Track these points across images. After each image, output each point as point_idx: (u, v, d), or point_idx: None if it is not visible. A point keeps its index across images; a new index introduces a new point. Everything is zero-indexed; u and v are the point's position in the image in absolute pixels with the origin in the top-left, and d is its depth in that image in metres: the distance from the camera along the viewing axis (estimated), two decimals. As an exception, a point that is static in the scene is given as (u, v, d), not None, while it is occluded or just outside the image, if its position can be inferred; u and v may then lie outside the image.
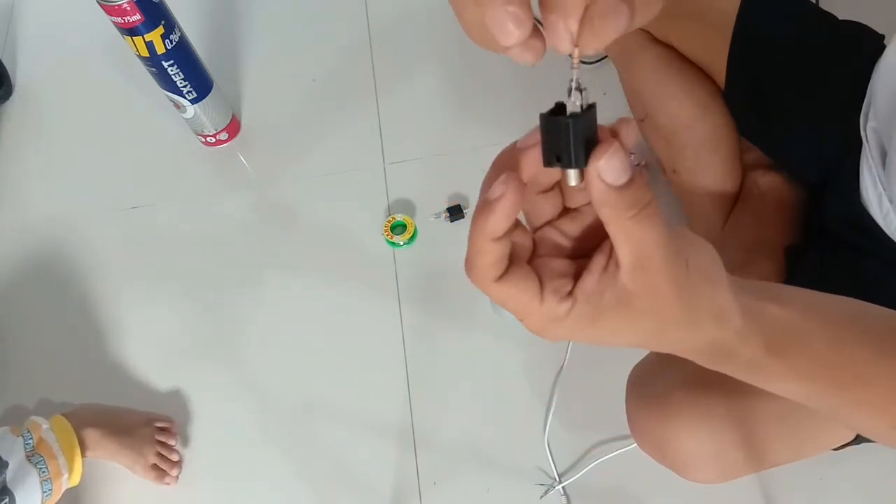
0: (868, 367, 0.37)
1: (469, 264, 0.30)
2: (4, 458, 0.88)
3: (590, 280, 0.30)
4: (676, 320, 0.31)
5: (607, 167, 0.27)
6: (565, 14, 0.26)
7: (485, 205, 0.28)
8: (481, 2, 0.26)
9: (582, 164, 0.28)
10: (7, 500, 0.86)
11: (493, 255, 0.29)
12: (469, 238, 0.29)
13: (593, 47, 0.26)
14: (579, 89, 0.27)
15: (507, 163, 0.30)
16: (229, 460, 1.05)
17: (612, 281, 0.29)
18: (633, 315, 0.30)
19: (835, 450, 0.77)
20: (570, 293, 0.30)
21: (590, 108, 0.28)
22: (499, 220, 0.28)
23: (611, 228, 0.28)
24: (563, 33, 0.26)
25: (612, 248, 0.29)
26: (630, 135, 0.29)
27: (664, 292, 0.29)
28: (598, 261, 0.30)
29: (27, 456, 0.91)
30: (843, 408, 0.38)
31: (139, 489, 1.04)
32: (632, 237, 0.28)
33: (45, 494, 0.90)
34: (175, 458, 1.03)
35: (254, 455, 1.04)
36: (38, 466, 0.90)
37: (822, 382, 0.36)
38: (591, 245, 0.31)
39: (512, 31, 0.26)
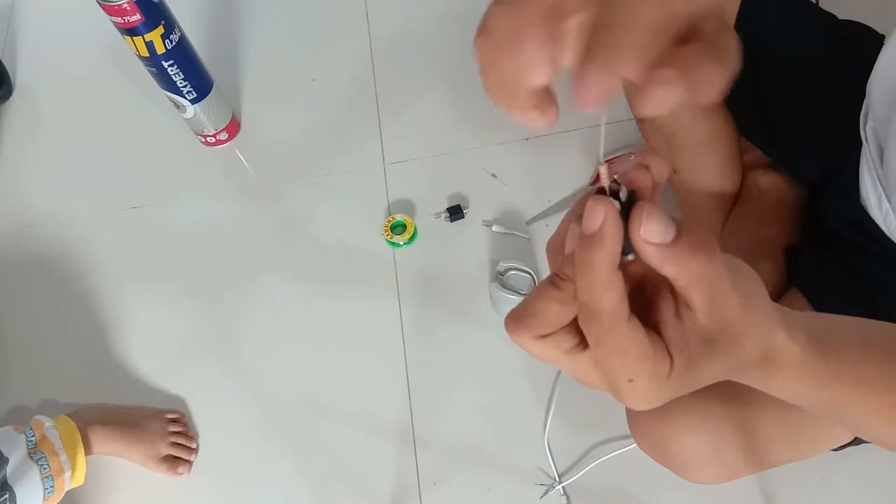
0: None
1: (593, 310, 0.27)
2: (5, 454, 0.88)
3: (671, 332, 0.29)
4: (747, 341, 0.30)
5: (652, 232, 0.27)
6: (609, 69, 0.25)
7: (590, 240, 0.27)
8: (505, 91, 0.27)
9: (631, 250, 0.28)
10: (7, 495, 0.85)
11: (619, 288, 0.27)
12: (584, 283, 0.27)
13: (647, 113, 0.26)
14: (616, 182, 0.28)
15: (560, 247, 0.30)
16: (229, 460, 1.05)
17: (692, 326, 0.28)
18: (719, 352, 0.29)
19: (835, 450, 0.77)
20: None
21: (630, 196, 0.28)
22: (614, 243, 0.27)
23: (680, 280, 0.27)
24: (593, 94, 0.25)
25: (674, 295, 0.29)
26: (661, 170, 0.28)
27: (735, 318, 0.29)
28: (667, 311, 0.29)
29: (29, 453, 0.91)
30: (873, 415, 0.38)
31: (141, 490, 1.04)
32: (702, 279, 0.27)
33: (46, 491, 0.90)
34: (193, 445, 1.04)
35: (254, 455, 1.04)
36: (40, 463, 0.90)
37: (860, 387, 0.36)
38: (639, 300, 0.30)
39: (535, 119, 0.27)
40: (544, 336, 0.29)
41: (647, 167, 0.28)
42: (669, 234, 0.27)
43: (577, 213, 0.29)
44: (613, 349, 0.28)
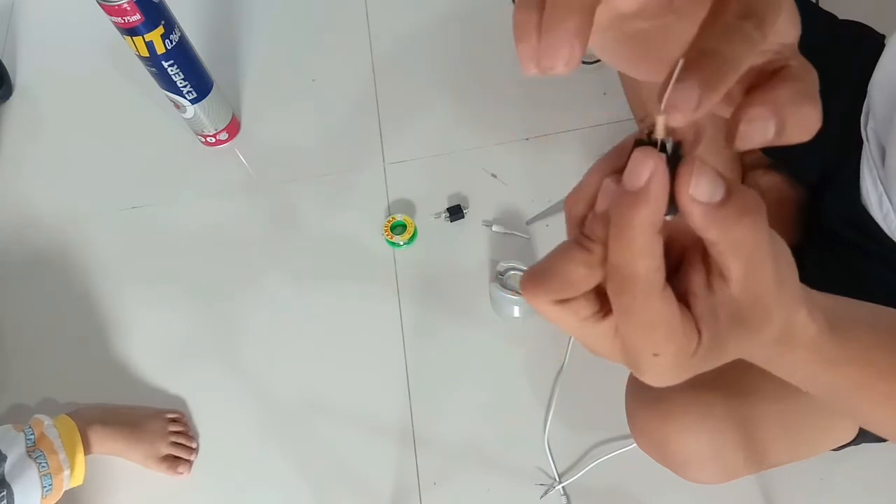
0: None
1: (625, 276, 0.25)
2: (4, 451, 0.88)
3: (701, 306, 0.26)
4: (774, 318, 0.28)
5: (703, 190, 0.24)
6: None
7: (633, 197, 0.24)
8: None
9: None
10: (5, 492, 0.85)
11: (658, 253, 0.24)
12: (620, 246, 0.24)
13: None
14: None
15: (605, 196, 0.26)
16: (229, 460, 1.05)
17: (724, 299, 0.26)
18: (749, 329, 0.27)
19: (835, 450, 0.77)
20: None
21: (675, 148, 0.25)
22: (660, 202, 0.24)
23: (720, 245, 0.25)
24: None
25: (706, 265, 0.26)
26: (703, 120, 0.25)
27: (770, 292, 0.27)
28: (698, 282, 0.26)
29: (28, 451, 0.91)
30: (879, 402, 0.36)
31: (141, 489, 1.04)
32: (743, 246, 0.25)
33: (45, 489, 0.89)
34: (193, 444, 1.04)
35: (254, 455, 1.04)
36: (38, 461, 0.90)
37: (870, 372, 0.34)
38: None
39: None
40: (564, 301, 0.26)
41: (691, 121, 0.25)
42: (719, 194, 0.24)
43: (610, 165, 0.26)
44: (642, 321, 0.25)
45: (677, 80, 0.23)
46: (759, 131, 0.25)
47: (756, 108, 0.24)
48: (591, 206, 0.27)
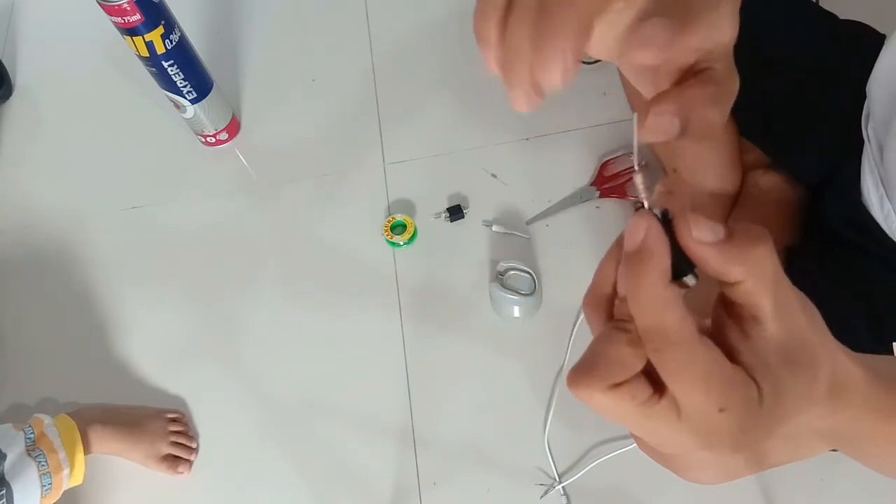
0: None
1: (659, 333, 0.25)
2: (3, 450, 0.88)
3: (746, 355, 0.26)
4: (820, 358, 0.27)
5: (704, 231, 0.25)
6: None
7: (638, 255, 0.25)
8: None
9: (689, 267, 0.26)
10: (4, 491, 0.85)
11: (680, 305, 0.25)
12: (642, 305, 0.25)
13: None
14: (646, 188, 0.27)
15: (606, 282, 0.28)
16: (229, 460, 1.05)
17: (764, 341, 0.25)
18: (799, 372, 0.26)
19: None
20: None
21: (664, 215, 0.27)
22: (662, 251, 0.25)
23: (747, 282, 0.25)
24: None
25: (736, 318, 0.26)
26: (686, 194, 0.27)
27: (804, 326, 0.26)
28: (734, 336, 0.26)
29: (27, 449, 0.90)
30: None
31: (141, 489, 1.04)
32: (764, 274, 0.25)
33: (44, 488, 0.89)
34: (193, 444, 1.04)
35: (254, 455, 1.04)
36: (38, 460, 0.90)
37: None
38: None
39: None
40: (617, 386, 0.26)
41: (671, 192, 0.27)
42: (721, 232, 0.25)
43: (614, 258, 0.27)
44: (694, 376, 0.25)
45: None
46: (665, 125, 0.26)
47: (665, 104, 0.26)
48: (611, 298, 0.28)
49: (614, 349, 0.26)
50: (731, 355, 0.26)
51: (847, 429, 0.31)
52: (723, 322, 0.27)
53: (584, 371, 0.26)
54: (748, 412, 0.25)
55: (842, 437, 0.31)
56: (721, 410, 0.25)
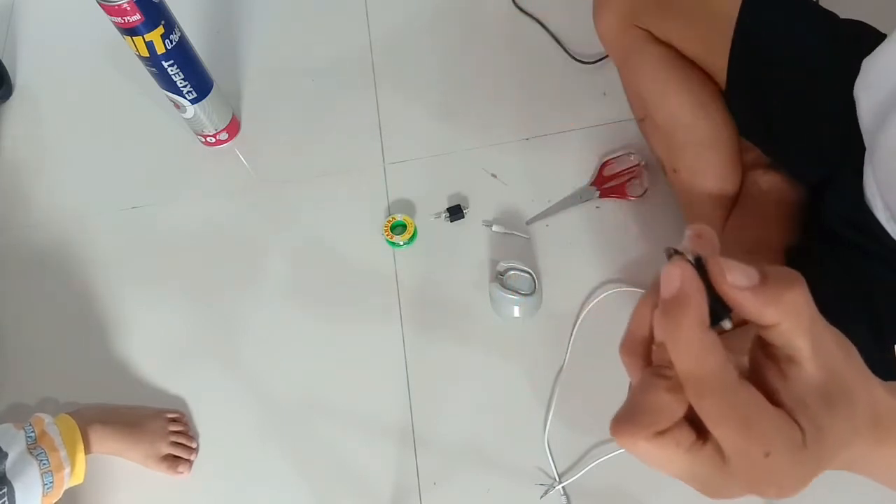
0: None
1: (699, 379, 0.25)
2: (4, 449, 0.88)
3: (785, 396, 0.26)
4: (858, 393, 0.27)
5: (738, 276, 0.26)
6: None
7: (674, 301, 0.25)
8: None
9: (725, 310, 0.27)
10: (6, 490, 0.85)
11: (720, 348, 0.25)
12: (681, 351, 0.25)
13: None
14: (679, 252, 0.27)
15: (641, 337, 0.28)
16: (229, 460, 1.05)
17: (802, 382, 0.26)
18: (839, 411, 0.26)
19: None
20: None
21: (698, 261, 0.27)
22: (698, 296, 0.25)
23: (782, 324, 0.26)
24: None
25: (774, 353, 0.27)
26: (715, 238, 0.27)
27: (840, 362, 0.27)
28: (773, 378, 0.27)
29: (28, 448, 0.90)
30: None
31: (141, 489, 1.04)
32: (801, 315, 0.26)
33: (45, 487, 0.89)
34: (193, 444, 1.04)
35: (254, 455, 1.04)
36: (39, 458, 0.90)
37: None
38: None
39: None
40: (661, 433, 0.26)
41: (700, 236, 0.27)
42: (755, 276, 0.26)
43: (654, 300, 0.27)
44: (736, 422, 0.25)
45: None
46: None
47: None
48: (648, 343, 0.28)
49: (655, 396, 0.26)
50: (770, 396, 0.26)
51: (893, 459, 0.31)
52: (761, 363, 0.27)
53: (627, 420, 0.26)
54: (793, 455, 0.25)
55: (892, 467, 0.32)
56: (766, 455, 0.25)
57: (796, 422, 0.26)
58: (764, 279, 0.25)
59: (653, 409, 0.26)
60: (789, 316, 0.25)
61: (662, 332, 0.26)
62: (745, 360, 0.28)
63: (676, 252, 0.27)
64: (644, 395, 0.27)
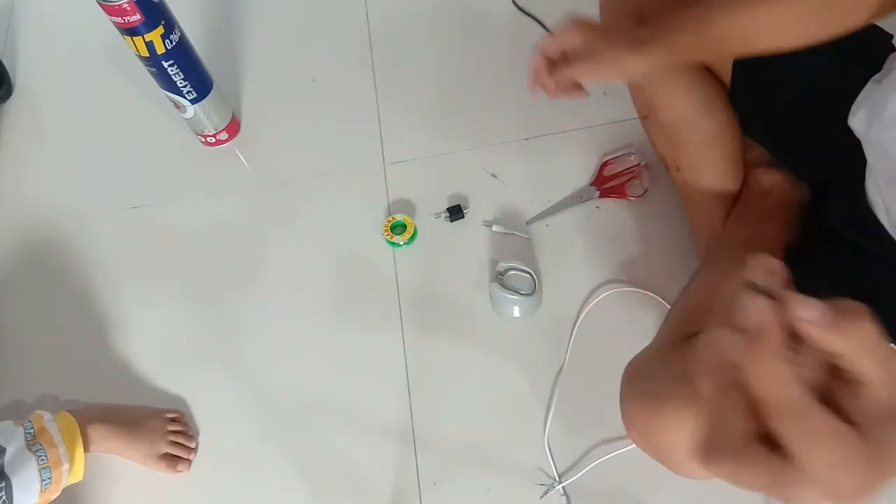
0: None
1: (784, 403, 0.28)
2: (3, 444, 0.87)
3: (856, 413, 0.28)
4: None
5: (810, 311, 0.28)
6: None
7: (758, 333, 0.28)
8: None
9: None
10: (4, 484, 0.85)
11: (797, 377, 0.28)
12: (768, 380, 0.28)
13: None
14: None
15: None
16: (229, 460, 1.05)
17: (870, 403, 0.28)
18: None
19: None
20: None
21: None
22: (780, 327, 0.28)
23: (853, 354, 0.28)
24: None
25: (843, 377, 0.29)
26: (784, 273, 0.30)
27: None
28: (842, 397, 0.29)
29: (27, 444, 0.90)
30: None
31: (140, 488, 1.04)
32: (869, 345, 0.28)
33: (44, 482, 0.89)
34: (192, 444, 1.04)
35: (254, 455, 1.04)
36: (38, 454, 0.90)
37: None
38: None
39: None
40: (745, 455, 0.29)
41: (773, 273, 0.30)
42: (825, 311, 0.28)
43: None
44: (817, 442, 0.27)
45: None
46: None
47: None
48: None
49: (732, 422, 0.29)
50: (841, 413, 0.28)
51: None
52: (830, 385, 0.29)
53: (711, 447, 0.29)
54: (869, 466, 0.27)
55: None
56: (845, 469, 0.27)
57: (869, 437, 0.28)
58: (833, 313, 0.28)
59: (733, 434, 0.29)
60: (858, 347, 0.28)
61: (743, 360, 0.28)
62: (812, 377, 0.30)
63: (753, 284, 0.29)
64: (719, 423, 0.30)
